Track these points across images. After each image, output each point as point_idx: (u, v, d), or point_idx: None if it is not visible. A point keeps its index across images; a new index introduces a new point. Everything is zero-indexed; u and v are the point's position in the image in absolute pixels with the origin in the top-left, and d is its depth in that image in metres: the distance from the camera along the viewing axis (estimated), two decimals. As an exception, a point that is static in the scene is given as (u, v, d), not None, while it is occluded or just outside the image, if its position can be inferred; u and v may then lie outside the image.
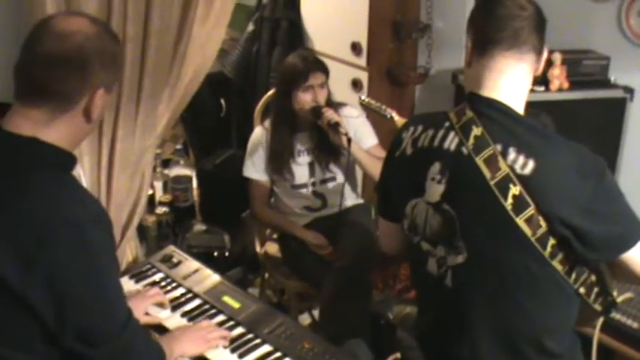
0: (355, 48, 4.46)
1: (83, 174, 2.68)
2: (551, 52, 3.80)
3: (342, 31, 4.54)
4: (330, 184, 3.84)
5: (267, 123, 3.80)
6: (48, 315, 1.90)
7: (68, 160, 2.05)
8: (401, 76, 4.47)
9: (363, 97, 3.59)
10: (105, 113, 2.24)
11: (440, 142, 2.15)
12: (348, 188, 3.85)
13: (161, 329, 2.60)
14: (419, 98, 4.67)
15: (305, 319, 4.11)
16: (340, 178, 3.85)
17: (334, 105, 3.69)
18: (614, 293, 2.26)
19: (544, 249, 2.01)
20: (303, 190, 3.82)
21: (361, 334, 3.41)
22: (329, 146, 3.71)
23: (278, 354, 2.45)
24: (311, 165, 3.79)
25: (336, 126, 3.50)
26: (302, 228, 3.80)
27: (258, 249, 4.11)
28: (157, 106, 2.86)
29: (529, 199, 1.98)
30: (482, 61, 2.11)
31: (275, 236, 4.11)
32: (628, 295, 2.51)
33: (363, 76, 4.47)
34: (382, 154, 3.70)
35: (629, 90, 3.85)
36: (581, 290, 2.15)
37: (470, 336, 2.23)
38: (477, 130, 2.06)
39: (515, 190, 1.98)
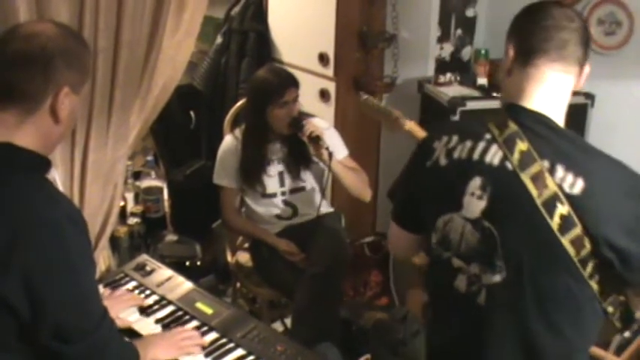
0: (322, 59, 4.50)
1: (59, 182, 2.70)
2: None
3: (310, 42, 4.57)
4: (301, 194, 3.87)
5: (237, 132, 3.83)
6: (24, 313, 1.93)
7: (42, 163, 2.08)
8: (368, 85, 4.49)
9: (364, 96, 3.57)
10: (77, 117, 2.25)
11: (480, 156, 2.04)
12: (319, 197, 3.89)
13: (135, 336, 2.61)
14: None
15: (277, 327, 4.12)
16: (310, 187, 3.89)
17: (304, 116, 3.72)
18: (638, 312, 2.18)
19: (584, 269, 1.95)
20: (274, 200, 3.85)
21: (333, 339, 3.45)
22: (299, 156, 3.76)
23: (251, 357, 2.49)
24: (281, 174, 3.81)
25: (317, 140, 3.55)
26: (274, 235, 3.83)
27: (229, 258, 4.13)
28: (128, 116, 2.88)
29: (576, 220, 1.91)
30: (525, 71, 2.05)
31: (246, 245, 4.13)
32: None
33: (331, 87, 4.50)
34: (353, 164, 3.78)
35: (590, 96, 3.94)
36: (610, 309, 2.09)
37: (495, 356, 2.15)
38: (522, 145, 1.98)
39: (562, 209, 1.91)
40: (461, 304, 2.17)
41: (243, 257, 4.09)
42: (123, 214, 4.07)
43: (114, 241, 3.70)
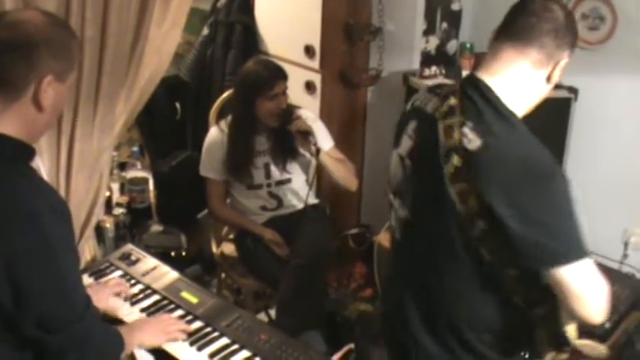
0: (308, 51, 4.50)
1: (43, 170, 2.71)
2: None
3: (296, 35, 4.58)
4: (286, 186, 3.90)
5: (222, 124, 3.84)
6: (6, 302, 1.95)
7: (26, 151, 2.08)
8: (353, 78, 4.52)
9: None
10: (63, 106, 2.25)
11: (424, 105, 2.23)
12: (305, 189, 3.92)
13: (121, 324, 2.62)
14: (371, 99, 4.73)
15: (261, 318, 4.15)
16: (296, 179, 3.91)
17: (292, 108, 3.75)
18: (569, 328, 2.14)
19: (473, 228, 2.02)
20: (259, 191, 3.87)
21: (317, 330, 3.48)
22: (285, 148, 3.78)
23: (235, 346, 2.51)
24: (267, 166, 3.83)
25: (306, 134, 3.57)
26: (259, 225, 3.85)
27: (214, 249, 4.15)
28: (114, 106, 2.90)
29: (466, 174, 1.99)
30: (490, 48, 2.16)
31: (231, 236, 4.15)
32: (587, 342, 2.49)
33: (317, 79, 4.51)
34: (339, 155, 3.80)
35: (574, 90, 3.95)
36: (516, 299, 2.12)
37: (404, 300, 2.30)
38: (452, 100, 2.11)
39: (457, 161, 2.01)
40: (392, 241, 2.44)
41: (228, 248, 4.11)
42: (108, 205, 4.07)
43: (99, 231, 3.70)
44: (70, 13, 2.58)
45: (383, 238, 4.37)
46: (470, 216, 2.01)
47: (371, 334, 3.67)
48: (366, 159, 4.90)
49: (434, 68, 4.22)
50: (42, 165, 2.70)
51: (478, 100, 2.08)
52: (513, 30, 2.10)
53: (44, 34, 1.99)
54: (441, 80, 4.16)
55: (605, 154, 4.04)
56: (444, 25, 4.43)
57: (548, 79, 2.15)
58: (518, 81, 2.12)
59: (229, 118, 3.83)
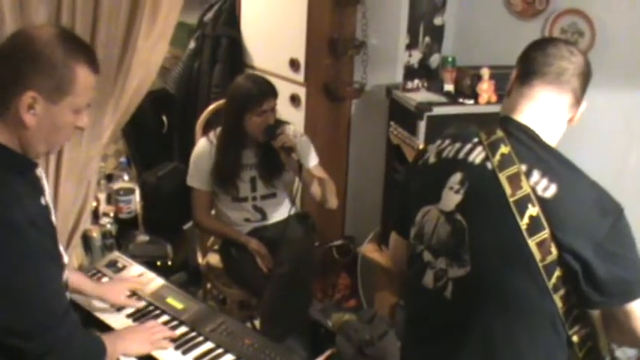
0: (293, 64, 4.56)
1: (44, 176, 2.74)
2: (479, 67, 3.96)
3: (281, 48, 4.63)
4: (271, 200, 3.95)
5: (211, 135, 3.88)
6: None
7: (20, 163, 2.09)
8: (338, 91, 4.58)
9: None
10: (61, 128, 2.14)
11: (465, 155, 2.16)
12: (288, 202, 3.96)
13: (107, 330, 2.66)
14: (355, 112, 4.79)
15: (246, 327, 4.18)
16: (281, 194, 3.97)
17: (280, 123, 3.80)
18: (606, 357, 2.22)
19: (549, 278, 1.98)
20: (244, 204, 3.92)
21: (301, 339, 3.52)
22: (272, 163, 3.82)
23: (220, 350, 2.55)
24: (253, 180, 3.88)
25: (289, 151, 3.62)
26: (245, 235, 3.89)
27: (200, 259, 4.19)
28: (102, 116, 2.93)
29: (545, 223, 1.96)
30: (521, 90, 2.15)
31: (216, 247, 4.19)
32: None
33: (301, 92, 4.56)
34: (322, 174, 3.84)
35: (554, 104, 4.03)
36: (575, 339, 2.12)
37: (456, 353, 2.19)
38: (504, 149, 2.07)
39: (533, 211, 1.97)
40: (430, 300, 2.25)
41: (214, 258, 4.15)
42: (95, 215, 4.11)
43: (86, 240, 3.74)
44: (60, 23, 2.60)
45: (367, 250, 4.42)
46: (547, 265, 1.98)
47: (354, 344, 3.70)
48: (350, 171, 4.94)
49: (416, 81, 4.28)
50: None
51: (533, 145, 2.08)
52: (548, 73, 2.11)
53: (33, 50, 1.99)
54: (423, 93, 4.21)
55: (584, 166, 4.06)
56: (427, 39, 4.49)
57: (570, 120, 2.19)
58: (554, 123, 2.16)
59: (219, 129, 3.87)
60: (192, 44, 5.11)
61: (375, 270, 4.45)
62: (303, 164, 3.66)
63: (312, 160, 3.94)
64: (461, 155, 2.17)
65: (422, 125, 3.88)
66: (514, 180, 2.01)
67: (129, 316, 2.75)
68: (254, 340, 2.60)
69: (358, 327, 3.84)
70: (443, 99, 4.11)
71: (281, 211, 3.98)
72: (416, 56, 4.49)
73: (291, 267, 3.59)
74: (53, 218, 2.28)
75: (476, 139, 2.16)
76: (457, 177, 2.14)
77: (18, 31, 2.08)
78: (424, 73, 4.47)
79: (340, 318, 4.18)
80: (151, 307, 2.79)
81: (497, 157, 2.06)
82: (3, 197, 1.99)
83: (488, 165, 2.08)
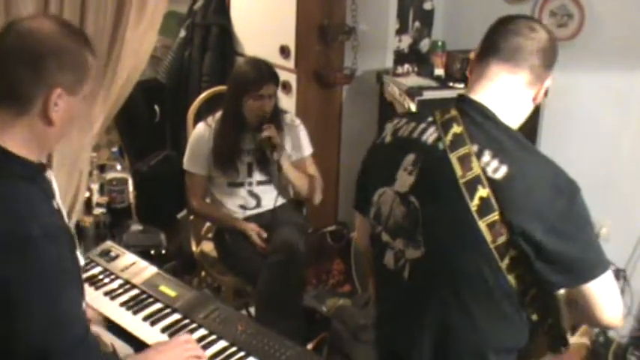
0: (284, 51, 4.57)
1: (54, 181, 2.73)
2: (469, 51, 3.96)
3: (271, 35, 4.64)
4: (266, 186, 3.96)
5: (210, 119, 3.89)
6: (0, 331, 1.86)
7: (32, 171, 1.99)
8: (328, 77, 4.60)
9: None
10: (75, 119, 2.07)
11: (419, 135, 2.14)
12: (284, 190, 4.00)
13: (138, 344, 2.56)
14: (346, 98, 4.81)
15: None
16: (276, 180, 3.97)
17: (280, 112, 3.85)
18: (568, 335, 2.21)
19: (502, 259, 1.98)
20: (240, 189, 3.93)
21: (296, 325, 3.53)
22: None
23: (213, 336, 2.54)
24: (250, 165, 3.89)
25: (272, 148, 3.67)
26: (240, 220, 3.90)
27: (194, 247, 4.20)
28: (92, 106, 2.94)
29: (495, 204, 1.94)
30: (478, 69, 2.12)
31: (210, 235, 4.20)
32: (583, 341, 2.51)
33: (292, 79, 4.58)
34: (312, 167, 3.88)
35: (544, 86, 4.05)
36: (534, 317, 2.14)
37: (415, 333, 2.21)
38: (457, 128, 2.05)
39: (483, 192, 1.96)
40: (391, 280, 2.26)
41: (208, 246, 4.16)
42: (88, 205, 4.10)
43: (80, 230, 3.74)
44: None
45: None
46: (499, 246, 1.97)
47: (349, 329, 3.72)
48: (341, 156, 4.96)
49: (407, 66, 4.30)
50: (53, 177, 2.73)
51: (486, 125, 2.06)
52: (502, 50, 2.07)
53: (52, 45, 1.91)
54: (413, 78, 4.23)
55: (574, 148, 4.11)
56: (417, 24, 4.50)
57: (534, 98, 2.16)
58: (512, 101, 2.11)
59: (217, 114, 3.88)
60: (182, 33, 5.11)
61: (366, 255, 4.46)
62: (282, 165, 3.72)
63: (307, 150, 3.97)
64: (415, 135, 2.16)
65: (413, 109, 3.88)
66: (465, 161, 2.00)
67: (122, 304, 2.73)
68: (247, 326, 2.59)
69: (353, 312, 3.86)
70: (433, 83, 4.13)
71: (275, 198, 3.99)
72: (406, 41, 4.51)
73: (285, 253, 3.60)
74: (66, 220, 2.19)
75: (430, 118, 2.15)
76: (411, 158, 2.14)
77: (16, 27, 1.94)
78: (414, 57, 4.49)
79: (335, 303, 4.20)
80: (144, 296, 2.75)
81: (450, 136, 2.05)
82: (20, 211, 1.88)
83: (440, 145, 2.07)
